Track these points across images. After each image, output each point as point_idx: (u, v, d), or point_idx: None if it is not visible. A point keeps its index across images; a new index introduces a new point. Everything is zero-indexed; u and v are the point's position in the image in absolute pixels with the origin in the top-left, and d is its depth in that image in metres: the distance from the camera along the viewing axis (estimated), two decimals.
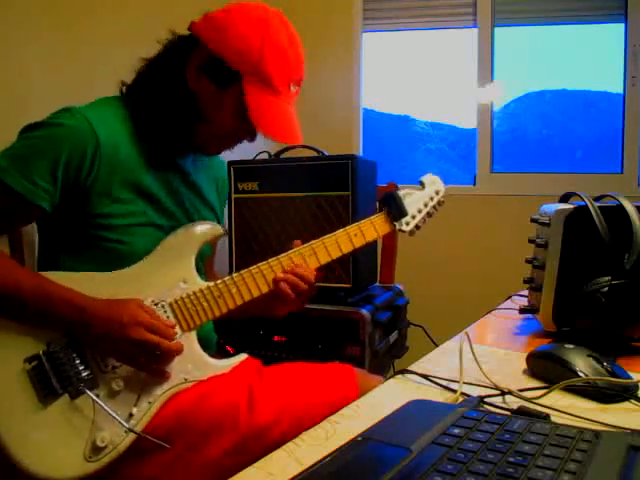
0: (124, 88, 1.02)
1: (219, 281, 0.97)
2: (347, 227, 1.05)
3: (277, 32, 0.95)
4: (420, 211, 1.11)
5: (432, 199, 1.13)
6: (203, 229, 1.02)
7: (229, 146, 1.05)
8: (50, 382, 0.85)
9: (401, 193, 1.09)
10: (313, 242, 1.03)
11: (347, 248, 1.04)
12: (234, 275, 0.98)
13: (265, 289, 0.99)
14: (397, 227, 1.09)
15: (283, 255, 1.01)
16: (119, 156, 0.93)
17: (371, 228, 1.07)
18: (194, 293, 0.95)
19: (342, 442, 0.52)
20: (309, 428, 0.94)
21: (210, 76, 0.95)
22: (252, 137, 1.03)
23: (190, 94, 0.97)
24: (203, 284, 0.96)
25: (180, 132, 0.99)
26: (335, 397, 0.99)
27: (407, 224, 1.10)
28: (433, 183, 1.14)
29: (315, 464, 0.48)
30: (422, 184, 1.14)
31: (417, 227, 1.12)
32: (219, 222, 1.21)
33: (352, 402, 1.01)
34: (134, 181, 0.96)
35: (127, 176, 0.95)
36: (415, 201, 1.11)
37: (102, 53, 1.62)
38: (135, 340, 0.84)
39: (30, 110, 1.40)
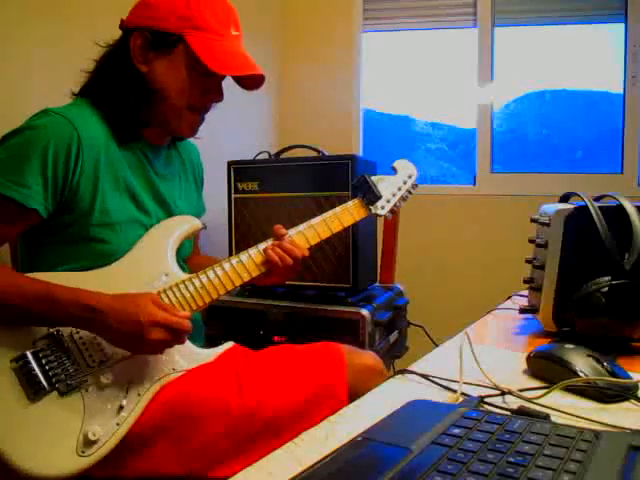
0: (73, 95, 1.04)
1: (201, 272, 0.99)
2: (324, 214, 1.08)
3: None
4: (394, 195, 1.14)
5: (405, 183, 1.16)
6: (182, 224, 1.04)
7: (199, 116, 1.06)
8: (38, 380, 0.85)
9: (374, 178, 1.12)
10: (291, 231, 1.06)
11: (325, 234, 1.08)
12: (215, 266, 1.00)
13: (247, 277, 1.01)
14: (372, 211, 1.11)
15: (263, 244, 1.04)
16: (100, 151, 0.95)
17: (347, 214, 1.10)
18: (176, 285, 0.96)
19: (342, 442, 0.52)
20: (300, 405, 0.96)
21: (155, 49, 0.98)
22: (216, 93, 1.04)
23: (141, 78, 0.99)
24: (185, 276, 0.98)
25: (141, 119, 1.01)
26: (322, 373, 1.02)
27: (382, 208, 1.13)
28: (405, 168, 1.17)
29: (315, 464, 0.47)
30: (394, 169, 1.17)
31: (392, 211, 1.14)
32: (200, 209, 1.25)
33: (340, 376, 1.03)
34: (117, 176, 0.97)
35: (110, 171, 0.96)
36: (388, 185, 1.14)
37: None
38: (155, 341, 0.86)
39: (30, 110, 1.40)
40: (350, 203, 1.11)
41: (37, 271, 0.93)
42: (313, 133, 2.55)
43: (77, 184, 0.92)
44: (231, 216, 1.75)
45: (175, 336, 0.87)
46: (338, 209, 1.10)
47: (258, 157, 1.85)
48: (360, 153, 2.63)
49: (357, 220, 1.11)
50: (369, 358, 1.12)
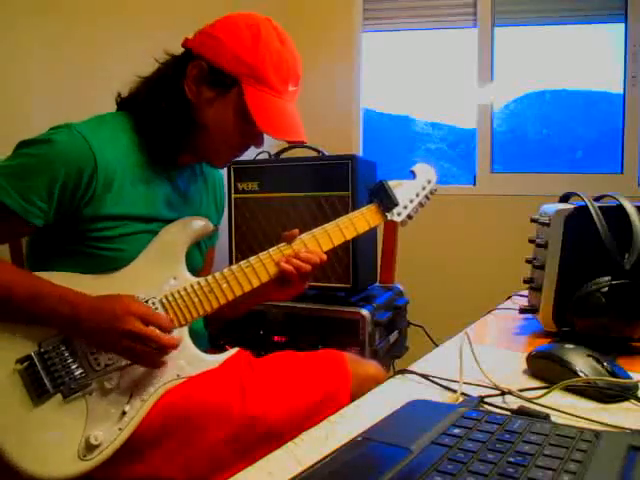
0: (118, 98, 1.03)
1: (209, 276, 0.97)
2: (338, 220, 1.05)
3: (269, 34, 0.97)
4: (412, 201, 1.10)
5: (424, 188, 1.12)
6: (192, 226, 1.02)
7: (236, 154, 1.06)
8: (42, 382, 0.85)
9: (391, 183, 1.08)
10: (303, 235, 1.03)
11: (338, 240, 1.04)
12: (224, 270, 0.98)
13: (256, 283, 0.99)
14: (388, 217, 1.08)
15: (274, 248, 1.01)
16: (115, 180, 0.93)
17: (362, 220, 1.06)
18: (184, 289, 0.95)
19: (342, 442, 0.52)
20: (302, 413, 0.96)
21: (209, 84, 0.96)
22: (257, 141, 1.03)
23: (188, 106, 0.97)
24: (193, 280, 0.97)
25: (180, 145, 1.00)
26: (326, 381, 1.01)
27: (399, 214, 1.09)
28: (424, 172, 1.13)
29: (315, 464, 0.47)
30: (413, 174, 1.13)
31: (409, 217, 1.11)
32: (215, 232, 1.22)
33: (344, 384, 1.02)
34: (129, 205, 0.95)
35: (121, 199, 0.94)
36: (406, 191, 1.10)
37: (104, 54, 1.62)
38: (128, 331, 0.84)
39: (30, 112, 1.40)
40: (365, 209, 1.07)
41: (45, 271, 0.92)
42: (313, 133, 2.53)
43: (85, 205, 0.91)
44: (231, 216, 1.75)
45: (152, 332, 0.85)
46: (353, 214, 1.06)
47: (258, 157, 1.85)
48: (360, 153, 2.63)
49: (372, 227, 1.07)
50: (372, 367, 1.12)
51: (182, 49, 1.01)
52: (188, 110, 0.97)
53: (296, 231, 1.03)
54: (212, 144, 1.01)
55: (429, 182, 1.13)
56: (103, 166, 0.91)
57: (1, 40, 1.36)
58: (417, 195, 1.11)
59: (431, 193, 1.14)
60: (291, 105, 1.00)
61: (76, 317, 0.85)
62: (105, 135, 0.94)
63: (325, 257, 1.03)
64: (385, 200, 1.07)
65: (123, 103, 1.03)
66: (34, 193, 0.87)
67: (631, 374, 0.72)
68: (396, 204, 1.08)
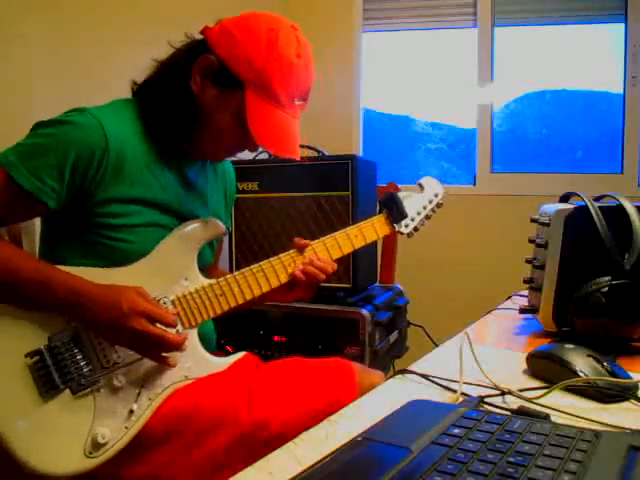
0: (135, 86, 1.02)
1: (221, 279, 0.98)
2: (347, 228, 1.07)
3: (286, 43, 0.94)
4: (419, 213, 1.13)
5: (431, 202, 1.15)
6: (205, 226, 1.02)
7: (231, 152, 1.05)
8: (51, 377, 0.85)
9: (401, 195, 1.11)
10: (314, 242, 1.04)
11: (347, 249, 1.06)
12: (236, 273, 0.99)
13: (266, 288, 1.00)
14: (396, 229, 1.11)
15: (284, 254, 1.02)
16: (126, 162, 0.93)
17: (371, 229, 1.09)
18: (196, 290, 0.96)
19: (342, 442, 0.52)
20: (308, 421, 0.95)
21: (213, 80, 0.95)
22: (252, 146, 1.02)
23: (193, 97, 0.96)
24: (205, 282, 0.97)
25: (181, 133, 0.99)
26: (333, 390, 1.01)
27: (406, 226, 1.12)
28: (432, 186, 1.16)
29: (315, 464, 0.47)
30: (421, 187, 1.15)
31: (415, 229, 1.13)
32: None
33: (351, 394, 1.02)
34: (139, 189, 0.95)
35: (132, 182, 0.94)
36: (414, 203, 1.13)
37: (103, 52, 1.62)
38: (136, 330, 0.84)
39: (31, 110, 1.40)
40: (375, 219, 1.09)
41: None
42: (313, 133, 2.54)
43: (95, 188, 0.91)
44: (231, 216, 1.74)
45: (158, 332, 0.85)
46: (362, 224, 1.08)
47: (258, 157, 1.85)
48: (360, 153, 2.63)
49: (380, 237, 1.10)
50: (377, 377, 1.11)
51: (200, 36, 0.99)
52: (192, 100, 0.96)
53: (307, 241, 1.04)
54: (207, 139, 1.00)
55: (436, 196, 1.16)
56: (115, 147, 0.91)
57: (1, 39, 1.36)
58: (424, 208, 1.14)
59: (437, 207, 1.17)
60: (293, 119, 0.98)
61: (81, 307, 0.85)
62: (116, 118, 0.94)
63: (336, 267, 1.04)
64: (394, 211, 1.10)
65: (137, 89, 1.02)
66: (45, 172, 0.87)
67: (631, 374, 0.72)
68: (405, 216, 1.11)
